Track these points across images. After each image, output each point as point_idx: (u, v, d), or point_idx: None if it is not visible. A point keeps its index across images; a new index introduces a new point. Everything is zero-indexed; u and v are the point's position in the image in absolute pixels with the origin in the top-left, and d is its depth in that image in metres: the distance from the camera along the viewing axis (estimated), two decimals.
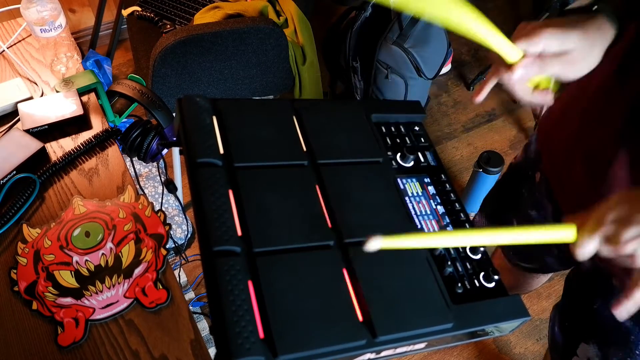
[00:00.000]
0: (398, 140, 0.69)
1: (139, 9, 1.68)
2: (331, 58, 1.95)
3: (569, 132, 0.76)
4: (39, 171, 0.85)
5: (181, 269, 1.62)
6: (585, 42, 0.58)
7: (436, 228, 0.61)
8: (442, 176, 0.67)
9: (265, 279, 0.49)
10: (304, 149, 0.62)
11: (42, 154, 0.88)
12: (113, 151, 0.91)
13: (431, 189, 0.65)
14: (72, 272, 0.75)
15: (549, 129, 0.84)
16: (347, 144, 0.64)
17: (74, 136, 0.93)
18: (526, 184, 0.92)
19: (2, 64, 1.06)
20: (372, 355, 0.51)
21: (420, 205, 0.63)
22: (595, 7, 0.59)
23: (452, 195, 0.65)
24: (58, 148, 0.92)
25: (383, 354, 0.52)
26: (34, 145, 0.88)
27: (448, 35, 1.88)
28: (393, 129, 0.70)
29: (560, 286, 0.92)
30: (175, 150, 1.68)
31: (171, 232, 0.81)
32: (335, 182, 0.59)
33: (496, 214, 1.04)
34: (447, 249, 0.59)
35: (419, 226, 0.61)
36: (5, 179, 0.83)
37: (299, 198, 0.57)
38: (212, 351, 0.92)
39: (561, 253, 0.92)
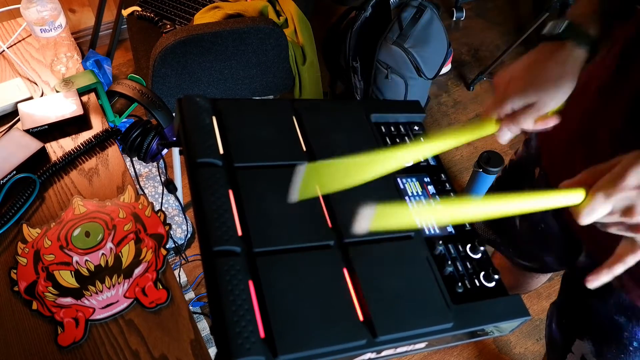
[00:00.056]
0: (398, 140, 0.69)
1: (139, 9, 1.68)
2: (331, 58, 1.95)
3: (569, 132, 0.76)
4: (39, 171, 0.85)
5: (181, 269, 1.62)
6: (547, 88, 0.62)
7: (436, 228, 0.61)
8: (442, 176, 0.67)
9: (266, 279, 0.49)
10: (304, 149, 0.62)
11: (42, 154, 0.88)
12: (113, 151, 0.91)
13: (431, 188, 0.65)
14: (72, 272, 0.75)
15: (549, 129, 0.84)
16: (347, 144, 0.64)
17: (74, 136, 0.93)
18: (527, 180, 0.92)
19: (2, 64, 1.06)
20: (373, 355, 0.51)
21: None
22: (564, 34, 0.63)
23: (451, 195, 0.65)
24: (58, 148, 0.92)
25: (383, 353, 0.52)
26: (34, 145, 0.88)
27: (448, 35, 1.88)
28: (393, 128, 0.70)
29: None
30: (175, 150, 1.68)
31: (171, 232, 0.81)
32: None
33: None
34: (447, 249, 0.59)
35: (418, 225, 0.61)
36: (5, 179, 0.83)
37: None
38: (212, 351, 0.92)
39: (560, 252, 0.92)
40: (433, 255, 0.58)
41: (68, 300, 0.73)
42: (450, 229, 0.62)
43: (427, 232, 0.60)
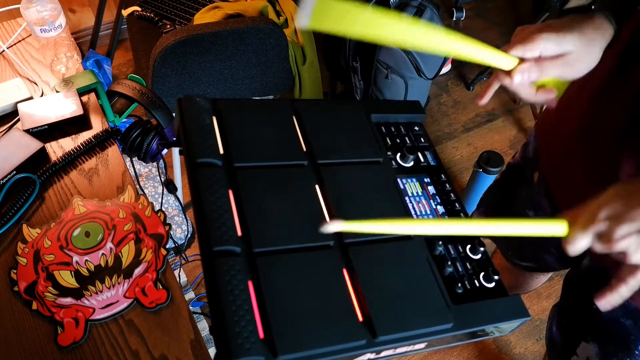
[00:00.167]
0: (398, 140, 0.69)
1: (139, 9, 1.68)
2: (331, 58, 1.95)
3: (568, 132, 0.76)
4: (39, 171, 0.85)
5: (181, 269, 1.62)
6: (582, 43, 0.58)
7: None
8: (442, 176, 0.67)
9: (265, 279, 0.49)
10: (304, 149, 0.62)
11: (42, 154, 0.88)
12: (113, 151, 0.91)
13: (431, 188, 0.65)
14: (72, 272, 0.75)
15: (548, 129, 0.84)
16: (347, 144, 0.64)
17: (74, 136, 0.93)
18: (524, 184, 0.92)
19: (2, 64, 1.06)
20: (372, 355, 0.51)
21: (420, 205, 0.63)
22: (593, 6, 0.60)
23: (452, 195, 0.65)
24: (58, 148, 0.92)
25: (383, 354, 0.52)
26: (34, 145, 0.88)
27: None
28: (393, 129, 0.70)
29: (560, 286, 0.92)
30: (175, 150, 1.68)
31: (171, 232, 0.81)
32: (335, 182, 0.59)
33: (493, 213, 1.04)
34: (447, 250, 0.59)
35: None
36: (5, 179, 0.83)
37: (299, 198, 0.57)
38: (212, 351, 0.92)
39: (560, 252, 0.92)
40: (433, 256, 0.58)
41: (68, 300, 0.73)
42: None
43: None
